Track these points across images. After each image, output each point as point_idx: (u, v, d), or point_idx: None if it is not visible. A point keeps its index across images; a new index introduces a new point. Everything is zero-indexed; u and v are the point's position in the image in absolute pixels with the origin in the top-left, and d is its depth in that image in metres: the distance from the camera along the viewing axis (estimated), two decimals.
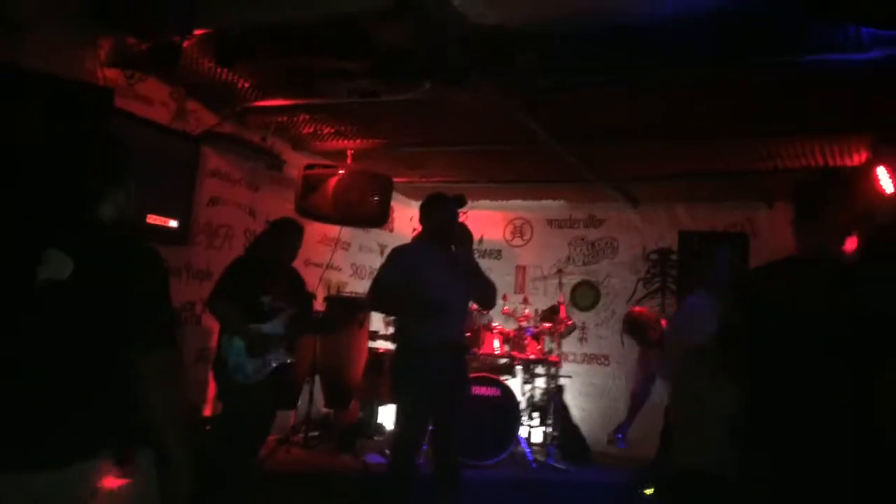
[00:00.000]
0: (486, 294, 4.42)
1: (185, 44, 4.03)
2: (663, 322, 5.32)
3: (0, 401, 1.81)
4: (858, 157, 5.72)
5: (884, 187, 5.57)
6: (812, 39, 3.78)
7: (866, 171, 5.72)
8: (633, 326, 5.91)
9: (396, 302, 4.20)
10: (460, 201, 4.32)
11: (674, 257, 7.66)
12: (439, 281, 4.14)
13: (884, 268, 2.01)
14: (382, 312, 4.54)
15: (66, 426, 1.82)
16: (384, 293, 4.20)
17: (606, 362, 7.82)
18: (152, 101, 5.10)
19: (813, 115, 4.98)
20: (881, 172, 5.48)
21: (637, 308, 6.21)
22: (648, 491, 5.53)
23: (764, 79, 4.40)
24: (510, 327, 6.91)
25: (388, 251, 8.21)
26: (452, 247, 4.27)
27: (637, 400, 6.02)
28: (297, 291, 4.81)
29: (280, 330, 4.51)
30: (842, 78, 4.19)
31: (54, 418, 1.81)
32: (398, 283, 4.12)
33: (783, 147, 5.69)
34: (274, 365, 4.46)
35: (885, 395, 1.75)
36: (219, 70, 4.78)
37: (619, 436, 6.25)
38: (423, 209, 4.39)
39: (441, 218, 4.25)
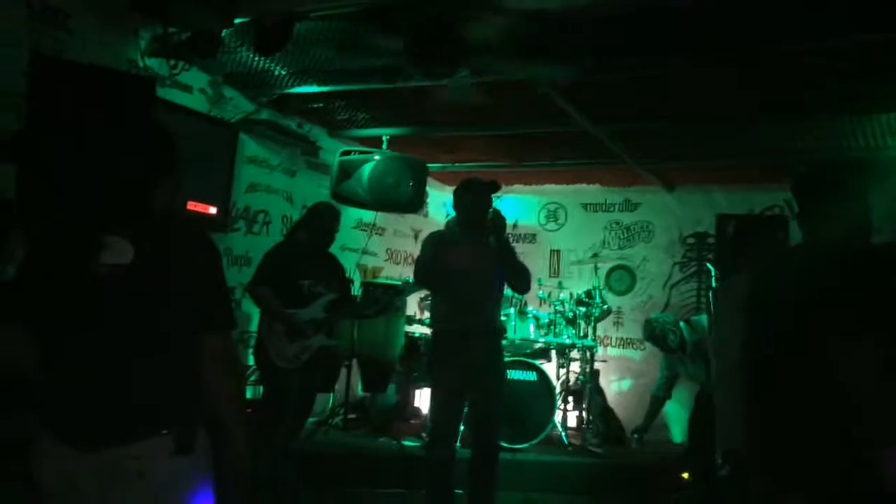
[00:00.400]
0: (521, 279, 4.44)
1: (224, 33, 4.06)
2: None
3: (68, 381, 1.89)
4: None
5: None
6: (856, 19, 3.71)
7: None
8: (653, 335, 5.98)
9: (437, 278, 4.26)
10: (493, 186, 4.33)
11: (711, 241, 7.57)
12: (472, 266, 4.18)
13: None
14: (427, 288, 4.56)
15: (131, 405, 1.89)
16: (427, 274, 4.28)
17: (642, 346, 7.78)
18: (191, 88, 5.18)
19: (852, 96, 4.89)
20: None
21: (654, 316, 6.29)
22: (685, 475, 5.53)
23: (798, 61, 4.33)
24: (545, 311, 6.91)
25: (422, 236, 8.33)
26: (486, 232, 4.28)
27: (656, 403, 6.15)
28: (337, 276, 4.85)
29: (319, 314, 4.55)
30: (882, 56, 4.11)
31: (119, 397, 1.88)
32: (435, 263, 4.19)
33: (820, 128, 5.60)
34: (314, 349, 4.51)
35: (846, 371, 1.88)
36: (257, 58, 4.83)
37: (636, 436, 6.33)
38: (455, 195, 4.44)
39: (472, 203, 4.27)
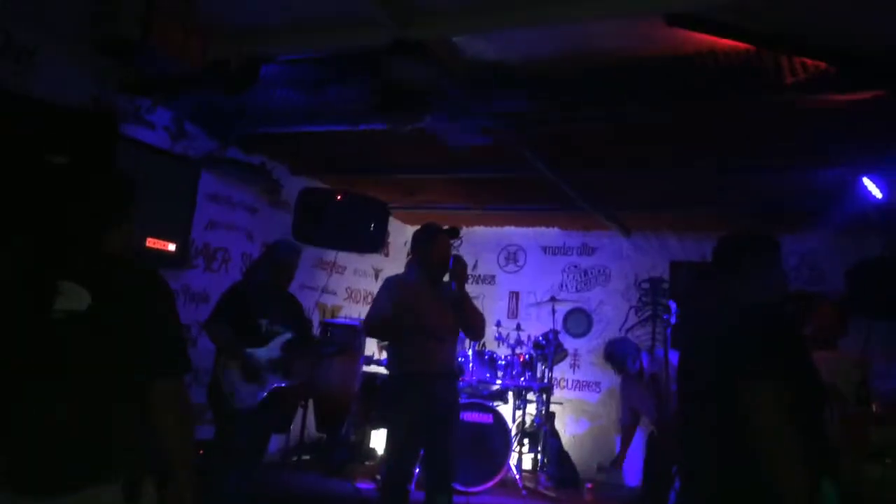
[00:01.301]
0: (476, 327, 4.47)
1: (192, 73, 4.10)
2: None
3: (21, 427, 1.87)
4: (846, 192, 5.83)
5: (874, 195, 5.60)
6: (796, 80, 3.89)
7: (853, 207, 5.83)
8: (612, 355, 6.02)
9: (389, 329, 4.27)
10: (453, 232, 4.39)
11: (665, 286, 7.74)
12: (429, 310, 4.21)
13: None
14: (376, 338, 4.54)
15: (82, 453, 1.88)
16: (379, 322, 4.26)
17: (598, 389, 7.88)
18: (154, 125, 5.18)
19: (801, 150, 5.09)
20: (867, 182, 5.52)
21: (621, 337, 6.34)
22: None
23: (748, 116, 4.52)
24: (503, 353, 6.96)
25: (384, 275, 8.36)
26: (445, 277, 4.33)
27: (625, 431, 6.11)
28: (295, 315, 4.80)
29: (276, 354, 4.51)
30: (828, 116, 4.31)
31: (71, 445, 1.86)
32: (390, 313, 4.17)
33: (772, 182, 5.81)
34: (270, 389, 4.46)
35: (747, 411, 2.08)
36: (221, 97, 4.86)
37: (602, 470, 6.35)
38: (414, 240, 4.47)
39: (431, 250, 4.31)
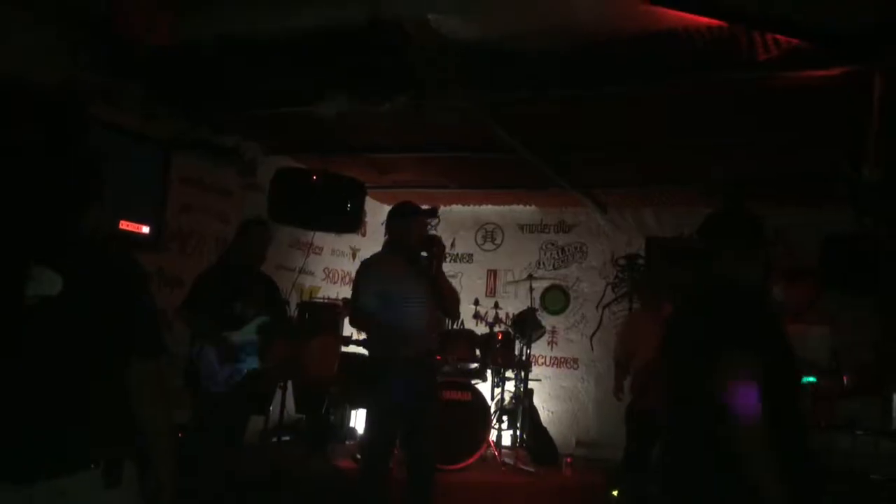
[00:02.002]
0: (453, 306, 4.50)
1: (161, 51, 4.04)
2: None
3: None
4: (819, 167, 5.90)
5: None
6: (770, 56, 3.92)
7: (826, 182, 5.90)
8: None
9: (373, 323, 4.27)
10: (431, 213, 4.45)
11: (641, 262, 7.80)
12: (407, 292, 4.21)
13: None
14: (362, 331, 4.51)
15: (59, 438, 1.87)
16: (363, 316, 4.28)
17: (575, 366, 7.95)
18: (124, 107, 5.10)
19: (772, 127, 5.14)
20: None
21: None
22: (615, 492, 5.66)
23: (723, 92, 4.54)
24: (481, 331, 6.99)
25: (360, 255, 8.34)
26: (422, 255, 4.31)
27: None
28: (270, 297, 4.78)
29: (252, 337, 4.48)
30: (801, 92, 4.35)
31: (47, 430, 1.85)
32: (372, 300, 4.20)
33: (746, 156, 5.86)
34: (246, 372, 4.44)
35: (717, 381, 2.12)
36: (192, 77, 4.79)
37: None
38: (390, 219, 4.47)
39: (403, 229, 4.31)
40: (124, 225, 4.97)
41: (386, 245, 4.49)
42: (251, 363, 4.47)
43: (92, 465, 1.87)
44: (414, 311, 4.18)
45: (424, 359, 4.32)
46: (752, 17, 3.55)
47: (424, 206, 4.45)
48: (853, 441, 2.77)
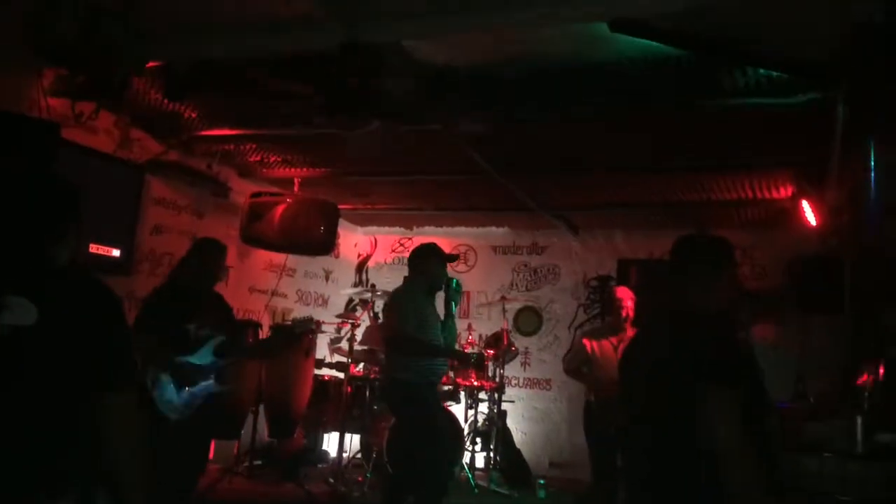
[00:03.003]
0: (453, 340, 5.01)
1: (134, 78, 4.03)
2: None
3: None
4: (785, 191, 6.04)
5: (808, 221, 5.90)
6: (735, 85, 4.02)
7: (792, 205, 6.06)
8: None
9: (422, 348, 4.61)
10: (452, 258, 5.09)
11: (613, 284, 7.87)
12: (435, 325, 4.72)
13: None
14: (409, 356, 4.63)
15: (31, 470, 1.84)
16: (414, 342, 4.57)
17: (548, 387, 7.97)
18: (97, 129, 5.07)
19: (740, 152, 5.25)
20: (806, 207, 5.81)
21: None
22: None
23: (691, 119, 4.64)
24: None
25: (334, 276, 8.32)
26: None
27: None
28: (224, 317, 4.57)
29: (208, 359, 4.29)
30: (767, 119, 4.45)
31: (19, 463, 1.83)
32: (416, 330, 4.58)
33: (714, 180, 5.97)
34: (204, 396, 4.25)
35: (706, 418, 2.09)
36: (166, 101, 4.79)
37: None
38: (420, 259, 4.81)
39: (436, 273, 4.79)
40: (94, 248, 4.92)
41: (416, 281, 4.80)
42: (209, 387, 4.28)
43: (63, 497, 1.85)
44: (438, 341, 4.67)
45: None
46: (715, 46, 3.64)
47: (450, 253, 5.12)
48: (820, 463, 2.82)
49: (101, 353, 1.97)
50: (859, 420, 2.93)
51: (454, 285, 4.95)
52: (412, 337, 4.56)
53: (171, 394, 4.12)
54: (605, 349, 5.28)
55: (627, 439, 2.48)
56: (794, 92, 4.03)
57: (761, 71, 3.91)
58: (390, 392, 4.80)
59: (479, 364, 6.69)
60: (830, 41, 3.54)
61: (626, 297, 5.33)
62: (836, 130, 4.12)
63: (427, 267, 4.78)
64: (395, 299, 4.76)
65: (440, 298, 4.96)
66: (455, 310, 4.97)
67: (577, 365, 5.53)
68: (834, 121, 4.04)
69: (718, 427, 2.05)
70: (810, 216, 5.87)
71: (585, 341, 5.44)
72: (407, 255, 8.84)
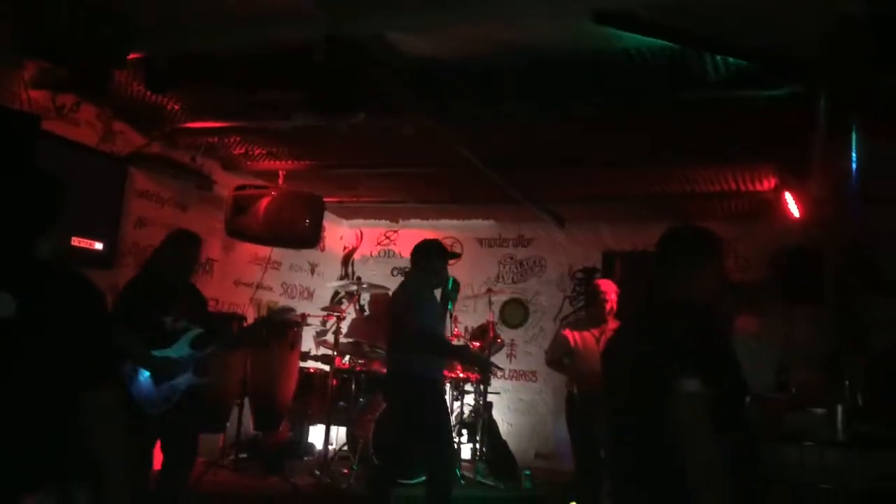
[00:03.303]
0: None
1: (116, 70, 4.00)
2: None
3: None
4: (768, 183, 6.08)
5: (791, 212, 5.94)
6: (719, 77, 4.04)
7: (775, 197, 6.10)
8: None
9: (445, 348, 4.87)
10: (454, 255, 5.22)
11: (598, 276, 7.91)
12: (443, 322, 4.88)
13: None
14: (433, 355, 4.67)
15: (11, 462, 1.83)
16: (440, 342, 4.75)
17: (534, 378, 8.00)
18: (79, 122, 5.04)
19: (724, 145, 5.27)
20: (789, 198, 5.85)
21: None
22: (573, 503, 5.70)
23: (676, 112, 4.66)
24: None
25: (319, 269, 8.30)
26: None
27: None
28: (200, 309, 4.52)
29: (185, 352, 4.24)
30: (750, 111, 4.48)
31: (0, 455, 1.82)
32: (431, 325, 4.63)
33: (697, 173, 6.00)
34: (183, 390, 4.20)
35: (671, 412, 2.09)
36: (148, 93, 4.76)
37: None
38: (425, 256, 4.77)
39: (441, 270, 4.80)
40: (77, 241, 4.89)
41: (416, 278, 4.80)
42: (187, 380, 4.23)
43: (43, 489, 1.84)
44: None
45: None
46: (699, 39, 3.65)
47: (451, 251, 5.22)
48: (801, 452, 2.85)
49: (83, 347, 1.96)
50: (840, 410, 2.97)
51: (451, 284, 4.94)
52: (440, 337, 4.68)
53: (148, 388, 4.07)
54: (588, 341, 5.30)
55: (611, 432, 2.48)
56: (776, 85, 4.06)
57: (744, 64, 3.94)
58: (406, 387, 4.62)
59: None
60: (813, 34, 3.56)
61: (609, 290, 5.36)
62: (818, 123, 4.15)
63: (431, 264, 4.76)
64: (408, 296, 4.69)
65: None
66: (451, 308, 5.01)
67: (559, 356, 5.54)
68: (816, 113, 4.07)
69: (681, 419, 2.06)
70: (793, 208, 5.91)
71: (567, 333, 5.46)
72: (393, 247, 8.88)
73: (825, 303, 4.85)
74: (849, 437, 2.92)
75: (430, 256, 4.78)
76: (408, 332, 4.52)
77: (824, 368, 3.24)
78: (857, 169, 3.76)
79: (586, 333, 5.31)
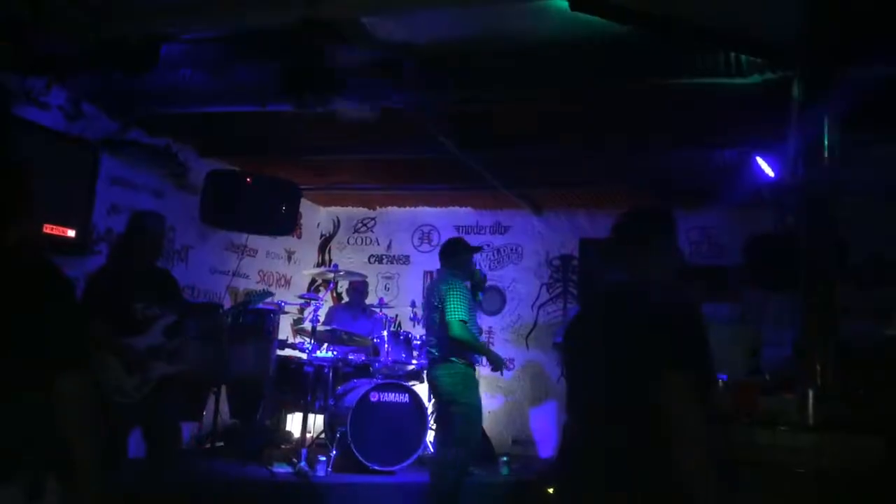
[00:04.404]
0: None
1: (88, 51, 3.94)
2: None
3: None
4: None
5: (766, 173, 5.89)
6: (692, 64, 4.06)
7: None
8: None
9: (479, 344, 5.30)
10: (478, 250, 5.60)
11: (575, 263, 7.96)
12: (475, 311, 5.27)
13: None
14: (466, 344, 5.09)
15: None
16: (477, 340, 5.25)
17: (512, 365, 8.02)
18: (49, 106, 4.95)
19: (699, 132, 5.31)
20: (759, 161, 5.80)
21: None
22: (550, 490, 5.74)
23: (651, 99, 4.68)
24: (418, 333, 7.00)
25: (296, 257, 8.26)
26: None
27: None
28: (172, 295, 4.43)
29: (158, 340, 4.18)
30: (724, 98, 4.51)
31: None
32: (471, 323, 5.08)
33: (673, 159, 6.03)
34: (156, 379, 4.13)
35: (667, 395, 2.10)
36: (121, 77, 4.68)
37: None
38: (455, 254, 5.29)
39: (471, 266, 5.36)
40: (49, 229, 4.82)
41: (454, 270, 5.24)
42: (160, 369, 4.15)
43: (13, 479, 1.82)
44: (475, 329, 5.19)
45: None
46: (674, 26, 3.66)
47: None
48: (774, 436, 2.90)
49: (51, 333, 1.94)
50: (811, 393, 3.01)
51: (479, 276, 5.39)
52: (473, 335, 5.09)
53: (119, 377, 4.01)
54: None
55: (576, 416, 2.46)
56: (750, 72, 4.08)
57: (718, 51, 3.96)
58: (454, 377, 5.09)
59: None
60: (786, 23, 3.59)
61: None
62: (791, 110, 4.18)
63: (462, 261, 5.26)
64: (455, 292, 5.04)
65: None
66: (480, 298, 5.48)
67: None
68: (789, 101, 4.10)
69: (677, 410, 2.06)
70: (767, 195, 5.95)
71: None
72: (370, 234, 8.85)
73: (797, 288, 4.90)
74: (819, 420, 2.96)
75: (460, 254, 5.27)
76: (447, 325, 4.95)
77: (796, 353, 3.28)
78: (829, 156, 3.79)
79: None
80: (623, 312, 2.33)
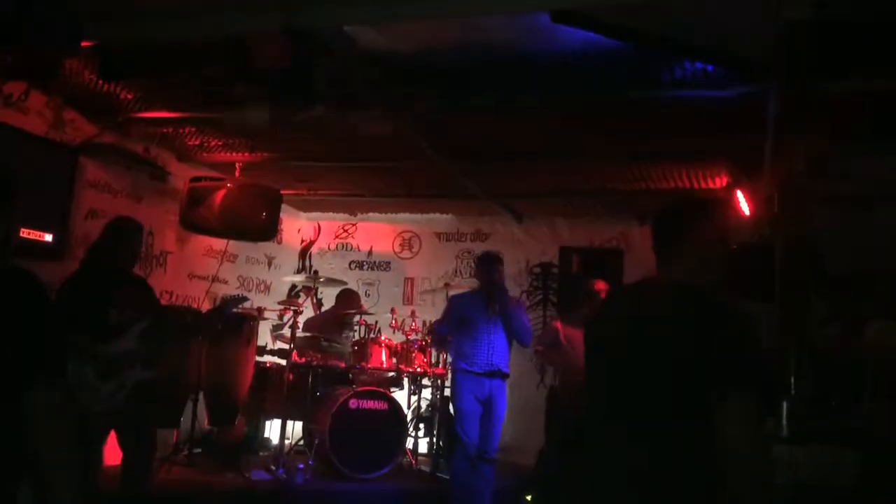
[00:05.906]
0: (518, 335, 5.55)
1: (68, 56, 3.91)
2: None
3: None
4: (720, 181, 6.19)
5: (742, 210, 6.06)
6: (673, 77, 4.11)
7: (727, 195, 6.21)
8: None
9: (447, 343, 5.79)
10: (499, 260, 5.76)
11: (555, 271, 8.00)
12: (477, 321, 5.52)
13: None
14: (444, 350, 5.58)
15: None
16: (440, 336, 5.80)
17: None
18: (27, 110, 4.91)
19: (677, 143, 5.36)
20: (740, 196, 5.96)
21: None
22: (528, 497, 5.76)
23: (630, 110, 4.72)
24: (398, 340, 7.00)
25: (277, 262, 8.23)
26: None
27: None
28: (147, 300, 4.39)
29: (132, 346, 4.10)
30: (703, 110, 4.56)
31: None
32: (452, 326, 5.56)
33: (652, 170, 6.09)
34: (131, 385, 4.05)
35: (726, 422, 1.88)
36: (100, 82, 4.66)
37: None
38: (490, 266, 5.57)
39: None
40: (26, 233, 4.78)
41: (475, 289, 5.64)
42: (135, 375, 4.08)
43: None
44: (479, 336, 5.38)
45: (486, 374, 5.42)
46: (654, 39, 3.71)
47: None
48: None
49: (24, 345, 1.91)
50: (785, 405, 3.03)
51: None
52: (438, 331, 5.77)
53: (93, 384, 3.94)
54: (576, 338, 5.36)
55: (596, 425, 2.21)
56: (727, 85, 4.15)
57: (697, 64, 4.02)
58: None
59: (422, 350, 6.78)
60: (763, 37, 3.64)
61: (604, 291, 5.43)
62: (767, 123, 4.24)
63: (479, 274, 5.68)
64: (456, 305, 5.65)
65: None
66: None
67: (549, 344, 5.68)
68: (766, 113, 4.15)
69: (738, 442, 1.87)
70: (744, 206, 6.03)
71: (558, 325, 5.59)
72: (350, 241, 8.85)
73: (773, 299, 4.96)
74: (793, 432, 2.99)
75: (492, 266, 5.53)
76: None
77: (773, 364, 3.31)
78: (804, 168, 3.85)
79: (577, 331, 5.38)
80: (667, 320, 2.07)
